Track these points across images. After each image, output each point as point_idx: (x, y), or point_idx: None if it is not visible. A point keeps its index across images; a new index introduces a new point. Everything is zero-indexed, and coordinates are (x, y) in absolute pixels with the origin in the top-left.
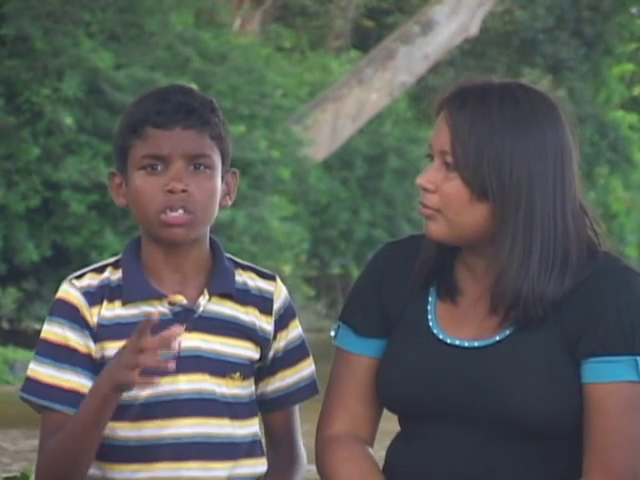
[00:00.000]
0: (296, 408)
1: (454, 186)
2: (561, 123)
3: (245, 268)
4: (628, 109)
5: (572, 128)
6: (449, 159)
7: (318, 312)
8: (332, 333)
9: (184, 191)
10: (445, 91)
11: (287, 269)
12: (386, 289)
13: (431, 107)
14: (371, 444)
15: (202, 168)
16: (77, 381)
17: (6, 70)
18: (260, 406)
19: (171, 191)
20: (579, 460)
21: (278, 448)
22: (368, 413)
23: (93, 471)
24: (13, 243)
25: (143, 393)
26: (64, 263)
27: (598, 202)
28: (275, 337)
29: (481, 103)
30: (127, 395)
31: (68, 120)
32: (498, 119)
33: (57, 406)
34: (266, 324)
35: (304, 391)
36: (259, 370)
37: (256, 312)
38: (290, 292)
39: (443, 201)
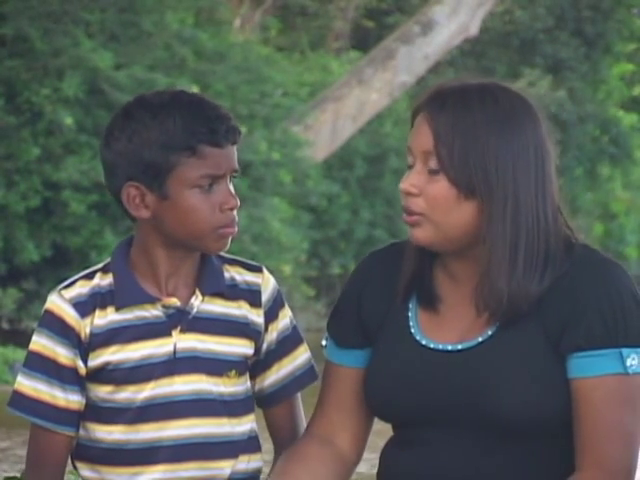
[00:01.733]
0: (298, 400)
1: (440, 187)
2: (539, 122)
3: (231, 263)
4: (628, 109)
5: (547, 128)
6: (432, 161)
7: (318, 312)
8: (323, 342)
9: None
10: (421, 95)
11: (287, 269)
12: (366, 300)
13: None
14: (350, 451)
15: (233, 178)
16: (63, 397)
17: (6, 70)
18: (260, 403)
19: (232, 209)
20: (572, 456)
21: (285, 445)
22: (348, 422)
23: (90, 474)
24: (13, 243)
25: (140, 396)
26: (64, 263)
27: (598, 202)
28: (267, 329)
29: (462, 103)
30: (123, 398)
31: (68, 120)
32: (480, 118)
33: (41, 422)
34: (256, 317)
35: (302, 379)
36: (254, 365)
37: (247, 306)
38: (290, 292)
39: (429, 204)
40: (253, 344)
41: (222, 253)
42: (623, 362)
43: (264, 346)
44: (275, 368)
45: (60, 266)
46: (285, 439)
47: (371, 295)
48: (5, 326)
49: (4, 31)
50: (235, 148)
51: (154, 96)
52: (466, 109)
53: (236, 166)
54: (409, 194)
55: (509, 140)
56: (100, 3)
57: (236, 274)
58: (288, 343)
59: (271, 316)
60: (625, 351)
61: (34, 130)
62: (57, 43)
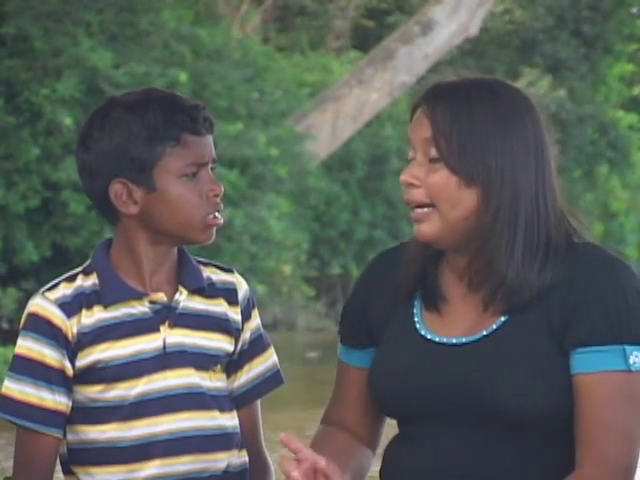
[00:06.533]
0: (259, 407)
1: (441, 176)
2: (537, 115)
3: (205, 264)
4: (628, 109)
5: (547, 127)
6: (432, 151)
7: (318, 312)
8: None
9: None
10: (419, 92)
11: (287, 269)
12: (373, 299)
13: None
14: (369, 445)
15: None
16: (52, 399)
17: (6, 70)
18: None
19: (217, 195)
20: (574, 452)
21: (248, 453)
22: (363, 420)
23: (86, 478)
24: (13, 243)
25: (132, 392)
26: (64, 263)
27: (598, 202)
28: (242, 328)
29: (459, 93)
30: (115, 396)
31: (67, 120)
32: (477, 106)
33: (29, 424)
34: (235, 314)
35: (270, 382)
36: (227, 365)
37: (225, 304)
38: (290, 292)
39: (432, 193)
40: (233, 341)
41: (194, 257)
42: (626, 359)
43: (239, 345)
44: (246, 368)
45: (60, 266)
46: (248, 448)
47: (378, 295)
48: (5, 326)
49: (4, 31)
50: (211, 138)
51: (126, 95)
52: (463, 99)
53: (214, 155)
54: (410, 185)
55: (507, 129)
56: (100, 4)
57: (212, 274)
58: (259, 344)
59: (246, 315)
60: (628, 348)
61: (33, 130)
62: (57, 43)
